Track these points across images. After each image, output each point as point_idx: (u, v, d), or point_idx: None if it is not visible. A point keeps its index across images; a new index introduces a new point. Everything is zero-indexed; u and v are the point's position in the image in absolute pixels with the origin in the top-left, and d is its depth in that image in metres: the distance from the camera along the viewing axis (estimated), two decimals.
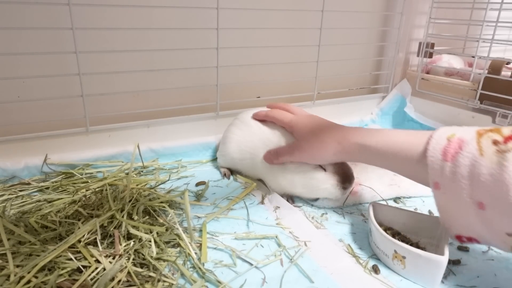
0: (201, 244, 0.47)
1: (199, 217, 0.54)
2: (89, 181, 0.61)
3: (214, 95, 0.78)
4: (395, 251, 0.44)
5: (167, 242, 0.47)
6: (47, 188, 0.59)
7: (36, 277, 0.39)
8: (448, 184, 0.39)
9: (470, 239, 0.41)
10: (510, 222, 0.35)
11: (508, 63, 0.84)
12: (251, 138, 0.64)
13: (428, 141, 0.42)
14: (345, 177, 0.56)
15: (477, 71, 0.87)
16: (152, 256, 0.43)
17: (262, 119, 0.64)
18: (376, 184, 0.63)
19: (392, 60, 1.00)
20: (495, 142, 0.37)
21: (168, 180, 0.65)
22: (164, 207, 0.53)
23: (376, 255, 0.48)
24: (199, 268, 0.43)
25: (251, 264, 0.45)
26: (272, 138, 0.61)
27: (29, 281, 0.38)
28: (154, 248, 0.44)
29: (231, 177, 0.68)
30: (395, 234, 0.50)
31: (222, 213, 0.56)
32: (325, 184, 0.56)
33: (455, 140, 0.40)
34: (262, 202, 0.59)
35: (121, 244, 0.44)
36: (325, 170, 0.56)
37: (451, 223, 0.42)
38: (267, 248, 0.49)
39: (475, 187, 0.37)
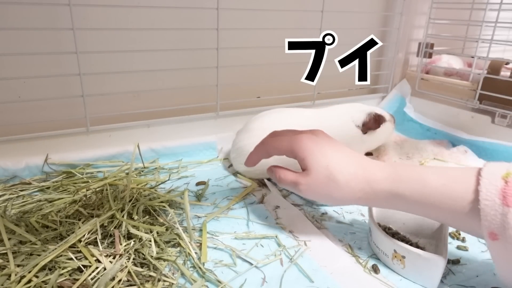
0: (201, 244, 0.47)
1: (199, 217, 0.55)
2: (89, 181, 0.61)
3: (214, 95, 0.78)
4: (395, 251, 0.44)
5: (167, 242, 0.47)
6: (48, 188, 0.59)
7: (37, 277, 0.39)
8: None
9: None
10: None
11: (507, 63, 0.84)
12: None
13: (478, 182, 0.35)
14: None
15: (477, 71, 0.87)
16: (152, 256, 0.43)
17: (258, 158, 0.51)
18: None
19: (392, 60, 1.01)
20: None
21: (168, 180, 0.65)
22: (164, 206, 0.53)
23: (375, 255, 0.48)
24: (199, 267, 0.43)
25: (251, 264, 0.45)
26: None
27: (29, 281, 0.38)
28: (154, 248, 0.45)
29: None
30: (395, 234, 0.50)
31: (222, 213, 0.56)
32: None
33: None
34: (262, 202, 0.60)
35: (121, 244, 0.44)
36: None
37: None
38: (267, 247, 0.49)
39: None
